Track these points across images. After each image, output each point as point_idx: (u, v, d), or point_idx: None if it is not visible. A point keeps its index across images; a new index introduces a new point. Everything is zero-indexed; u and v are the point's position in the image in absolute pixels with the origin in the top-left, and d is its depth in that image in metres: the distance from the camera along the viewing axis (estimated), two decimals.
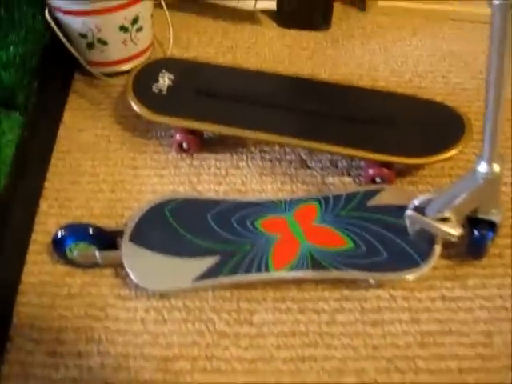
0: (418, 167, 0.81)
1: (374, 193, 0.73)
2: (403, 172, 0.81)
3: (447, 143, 0.77)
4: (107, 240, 0.70)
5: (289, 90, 0.84)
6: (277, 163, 0.82)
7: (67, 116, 0.89)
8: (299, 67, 0.96)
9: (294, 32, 1.04)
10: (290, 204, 0.73)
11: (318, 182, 0.80)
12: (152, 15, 0.93)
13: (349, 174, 0.81)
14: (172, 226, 0.70)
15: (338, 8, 1.08)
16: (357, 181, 0.80)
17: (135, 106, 0.80)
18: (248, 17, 1.06)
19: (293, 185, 0.80)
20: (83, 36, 0.87)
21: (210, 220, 0.71)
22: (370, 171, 0.78)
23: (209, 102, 0.81)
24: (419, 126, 0.79)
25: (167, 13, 0.96)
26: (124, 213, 0.77)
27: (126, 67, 0.93)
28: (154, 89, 0.83)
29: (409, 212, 0.66)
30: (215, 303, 0.68)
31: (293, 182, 0.80)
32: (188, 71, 0.85)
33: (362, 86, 0.88)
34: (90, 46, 0.89)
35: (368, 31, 1.05)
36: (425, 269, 0.66)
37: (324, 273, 0.66)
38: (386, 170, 0.77)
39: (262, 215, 0.72)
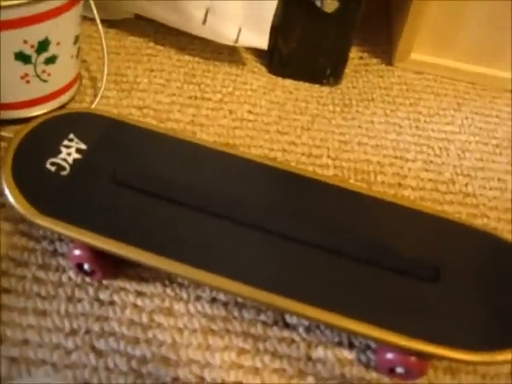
0: None
1: None
2: None
3: None
4: None
5: (268, 194, 0.52)
6: (235, 312, 0.50)
7: None
8: (289, 141, 0.64)
9: (289, 83, 0.72)
10: None
11: (299, 354, 0.48)
12: (78, 39, 0.60)
13: (351, 346, 0.49)
14: None
15: (354, 56, 0.76)
16: (362, 357, 0.48)
17: (11, 197, 0.47)
18: (227, 54, 0.74)
19: (257, 357, 0.47)
20: None
21: None
22: (389, 356, 0.45)
23: (134, 202, 0.48)
24: (478, 283, 0.48)
25: (102, 35, 0.63)
26: None
27: (28, 113, 0.60)
28: (50, 166, 0.50)
29: None
30: None
31: (258, 352, 0.48)
32: (111, 140, 0.53)
33: (388, 197, 0.55)
34: None
35: (394, 94, 0.74)
36: None
37: None
38: (414, 359, 0.45)
39: None
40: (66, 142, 0.51)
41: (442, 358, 0.44)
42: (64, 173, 0.49)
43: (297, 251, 0.47)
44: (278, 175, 0.53)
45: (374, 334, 0.44)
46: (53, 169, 0.49)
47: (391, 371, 0.46)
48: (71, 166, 0.50)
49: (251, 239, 0.48)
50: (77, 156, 0.51)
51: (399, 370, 0.46)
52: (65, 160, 0.50)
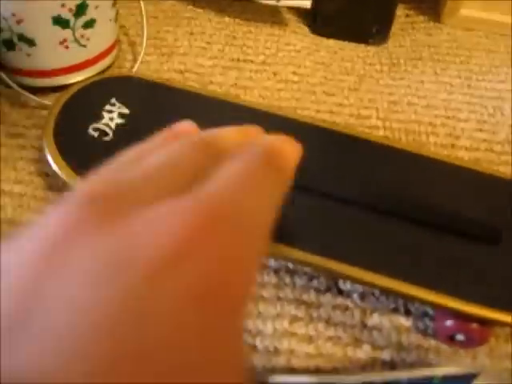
0: None
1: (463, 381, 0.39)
2: None
3: None
4: None
5: (317, 156, 0.50)
6: (287, 278, 0.48)
7: None
8: (337, 103, 0.61)
9: (333, 43, 0.69)
10: None
11: (354, 321, 0.46)
12: (116, 1, 0.58)
13: (407, 313, 0.47)
14: None
15: (400, 14, 0.73)
16: (420, 325, 0.46)
17: (54, 165, 0.46)
18: (269, 15, 0.71)
19: (311, 325, 0.46)
20: None
21: None
22: (448, 323, 0.43)
23: None
24: None
25: None
26: None
27: (67, 80, 0.59)
28: (92, 131, 0.48)
29: None
30: None
31: (311, 320, 0.46)
32: (153, 104, 0.51)
33: (441, 157, 0.52)
34: (9, 44, 0.55)
35: (443, 52, 0.70)
36: None
37: None
38: (475, 326, 0.43)
39: None
40: (107, 107, 0.50)
41: (503, 324, 0.42)
42: (107, 138, 0.48)
43: (349, 214, 0.45)
44: (326, 136, 0.51)
45: (432, 299, 0.41)
46: (95, 134, 0.48)
47: (451, 339, 0.44)
48: (114, 130, 0.48)
49: (301, 202, 0.46)
50: (119, 121, 0.49)
51: (459, 337, 0.44)
52: (107, 125, 0.49)
